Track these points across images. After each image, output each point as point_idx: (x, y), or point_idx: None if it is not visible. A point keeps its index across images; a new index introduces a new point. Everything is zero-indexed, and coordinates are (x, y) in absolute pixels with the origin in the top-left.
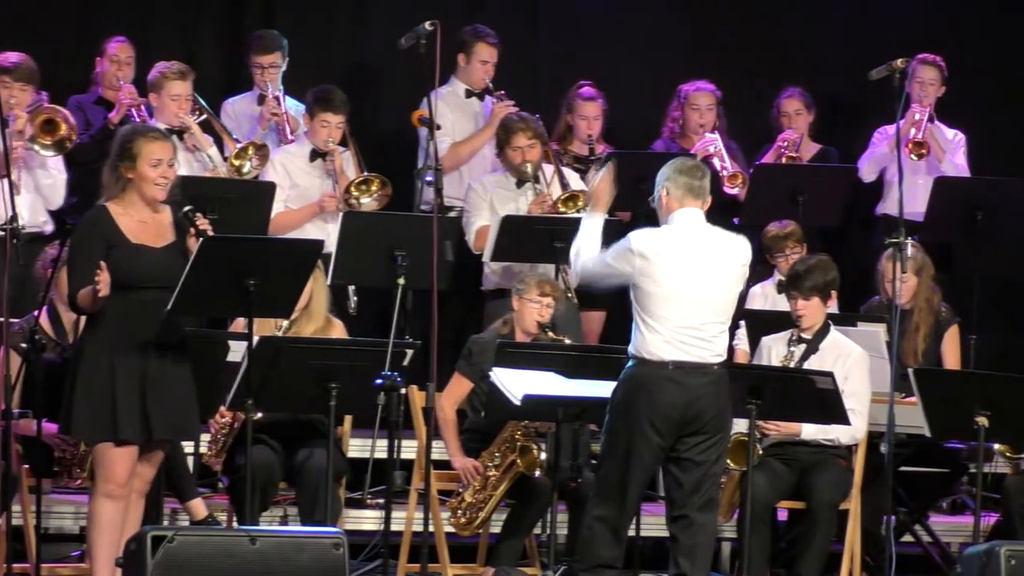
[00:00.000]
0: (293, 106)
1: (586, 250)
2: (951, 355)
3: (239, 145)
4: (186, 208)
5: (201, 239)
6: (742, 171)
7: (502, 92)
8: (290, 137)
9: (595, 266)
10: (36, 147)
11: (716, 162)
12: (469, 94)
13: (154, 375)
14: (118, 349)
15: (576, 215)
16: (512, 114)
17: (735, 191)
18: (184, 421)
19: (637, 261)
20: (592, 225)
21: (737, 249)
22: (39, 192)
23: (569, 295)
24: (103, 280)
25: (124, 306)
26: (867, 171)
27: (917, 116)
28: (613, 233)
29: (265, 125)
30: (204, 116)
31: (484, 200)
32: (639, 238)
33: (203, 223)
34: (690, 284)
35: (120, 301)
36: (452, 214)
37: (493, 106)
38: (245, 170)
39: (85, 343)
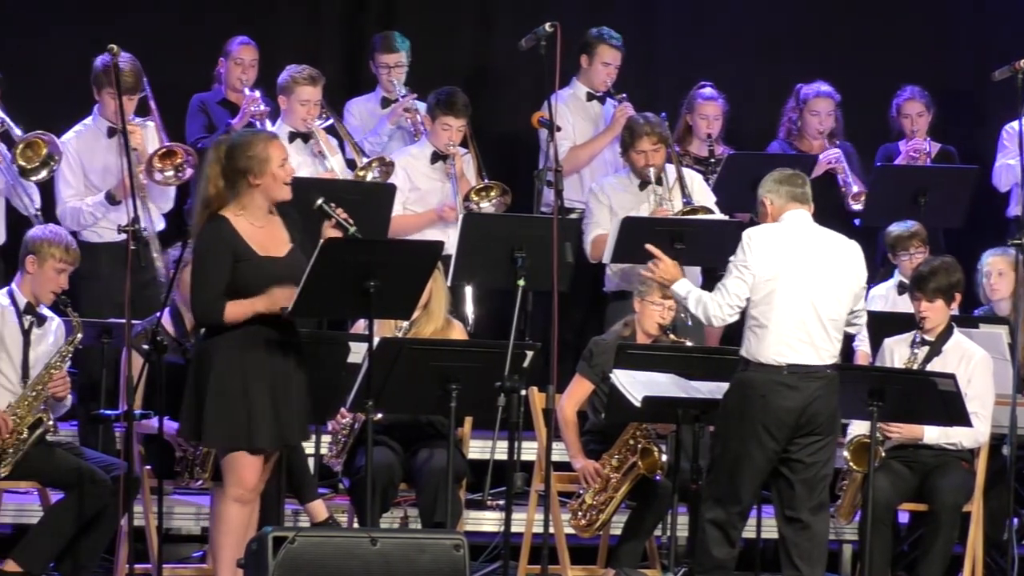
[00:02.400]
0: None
1: (704, 301)
2: None
3: (365, 159)
4: (320, 201)
5: (344, 231)
6: (866, 191)
7: (623, 95)
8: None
9: (721, 296)
10: (165, 175)
11: (839, 177)
12: (590, 97)
13: (283, 382)
14: (249, 358)
15: (696, 218)
16: (638, 116)
17: (860, 207)
18: (306, 424)
19: (756, 252)
20: (684, 288)
21: (853, 256)
22: (149, 199)
23: None
24: (282, 298)
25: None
26: (1004, 182)
27: None
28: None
29: (395, 121)
30: (331, 121)
31: (603, 205)
32: (755, 231)
33: (342, 213)
34: (805, 282)
35: None
36: (572, 216)
37: (614, 110)
38: (368, 179)
39: (211, 352)
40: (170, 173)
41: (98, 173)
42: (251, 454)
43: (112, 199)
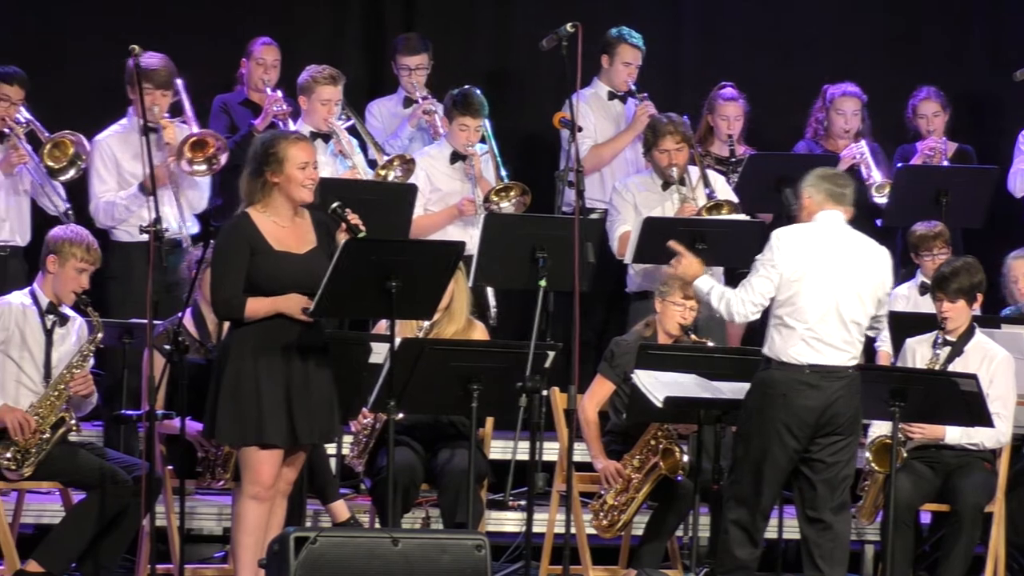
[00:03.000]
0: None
1: (727, 297)
2: None
3: (386, 157)
4: (335, 204)
5: (353, 235)
6: (890, 180)
7: (645, 94)
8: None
9: (746, 293)
10: (195, 167)
11: (863, 170)
12: (612, 96)
13: (298, 379)
14: (263, 354)
15: (718, 218)
16: (661, 115)
17: (883, 200)
18: (327, 425)
19: (783, 252)
20: (707, 284)
21: (880, 262)
22: (185, 200)
23: None
24: (300, 307)
25: None
26: (1019, 188)
27: None
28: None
29: (415, 123)
30: (351, 122)
31: (628, 203)
32: (783, 232)
33: (354, 218)
34: (831, 283)
35: None
36: (594, 216)
37: (635, 108)
38: (390, 179)
39: (230, 348)
40: (202, 166)
41: (133, 171)
42: (263, 450)
43: (145, 190)
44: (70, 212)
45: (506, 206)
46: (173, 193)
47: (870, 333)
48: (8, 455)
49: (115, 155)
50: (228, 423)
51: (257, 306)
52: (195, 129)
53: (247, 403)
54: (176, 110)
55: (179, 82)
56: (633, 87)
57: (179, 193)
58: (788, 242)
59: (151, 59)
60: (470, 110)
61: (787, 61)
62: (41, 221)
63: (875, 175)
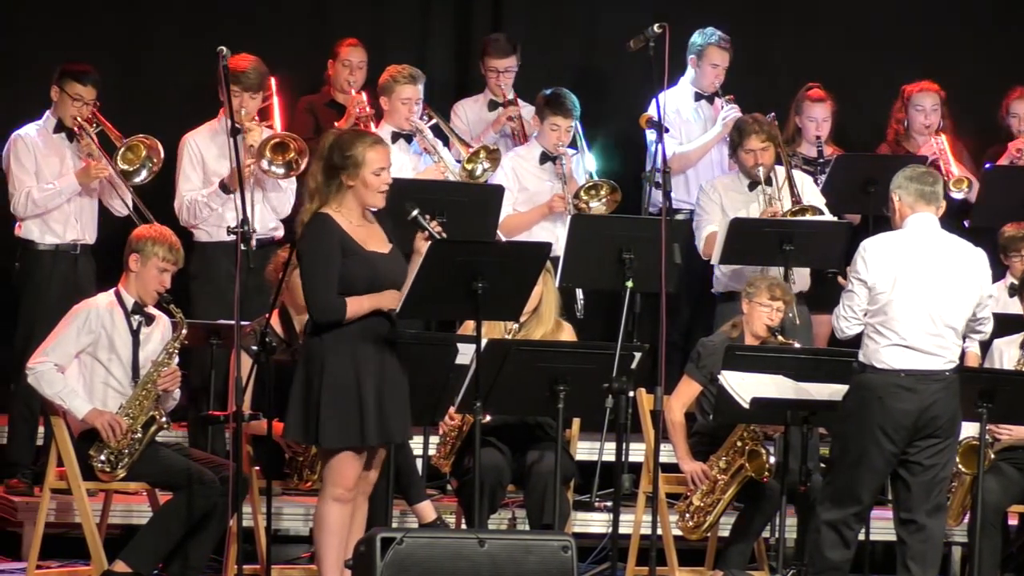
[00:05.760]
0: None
1: (835, 314)
2: None
3: (471, 149)
4: (414, 212)
5: (431, 241)
6: (968, 175)
7: (731, 95)
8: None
9: (840, 308)
10: (272, 168)
11: (941, 166)
12: (699, 97)
13: (389, 377)
14: (360, 357)
15: (805, 219)
16: (747, 116)
17: (960, 195)
18: (408, 424)
19: (869, 265)
20: None
21: (975, 264)
22: (267, 202)
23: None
24: (390, 302)
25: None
26: None
27: None
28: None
29: (499, 127)
30: (434, 120)
31: (714, 203)
32: (871, 242)
33: (435, 225)
34: (923, 289)
35: None
36: (680, 216)
37: (722, 109)
38: (477, 173)
39: (324, 351)
40: (280, 169)
41: (217, 171)
42: (358, 453)
43: (226, 189)
44: (148, 215)
45: (595, 205)
46: (252, 195)
47: (975, 337)
48: (102, 457)
49: (202, 154)
50: (334, 428)
51: (357, 307)
52: (278, 131)
53: (349, 407)
54: (266, 113)
55: (273, 83)
56: (719, 88)
57: (264, 195)
58: (875, 253)
59: (241, 61)
60: (562, 110)
61: (876, 60)
62: (106, 220)
63: (954, 170)
